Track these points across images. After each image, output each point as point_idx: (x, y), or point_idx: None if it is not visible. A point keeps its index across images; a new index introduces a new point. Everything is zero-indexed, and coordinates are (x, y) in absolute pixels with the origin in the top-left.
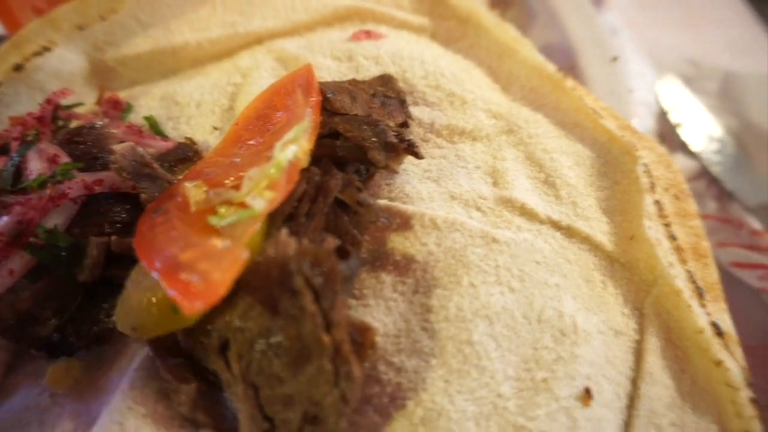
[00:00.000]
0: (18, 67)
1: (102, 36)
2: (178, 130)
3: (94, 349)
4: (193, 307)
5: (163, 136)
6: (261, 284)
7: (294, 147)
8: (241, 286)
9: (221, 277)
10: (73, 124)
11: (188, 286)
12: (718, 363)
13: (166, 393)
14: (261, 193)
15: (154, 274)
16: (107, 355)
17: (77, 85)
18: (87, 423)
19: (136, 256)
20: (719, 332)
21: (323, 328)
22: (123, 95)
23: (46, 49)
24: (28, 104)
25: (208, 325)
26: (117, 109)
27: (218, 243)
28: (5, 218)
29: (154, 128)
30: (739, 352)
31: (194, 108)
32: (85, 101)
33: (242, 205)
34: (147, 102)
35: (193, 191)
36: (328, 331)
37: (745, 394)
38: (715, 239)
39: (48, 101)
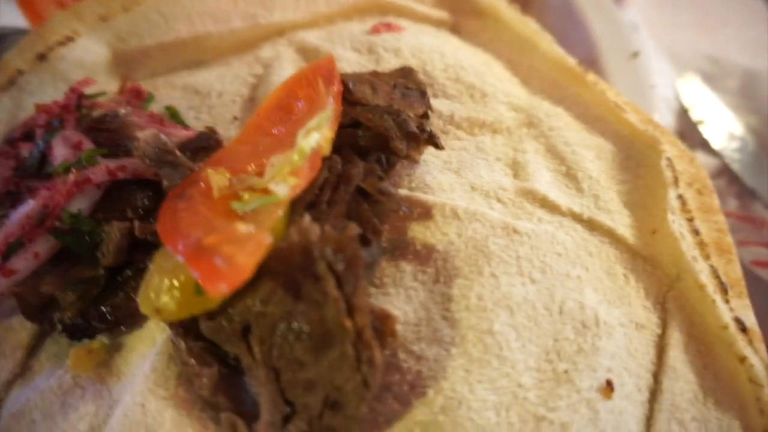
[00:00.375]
0: (42, 57)
1: (125, 27)
2: (199, 120)
3: (117, 332)
4: (218, 289)
5: (184, 126)
6: (283, 269)
7: (317, 134)
8: (263, 271)
9: (245, 260)
10: (96, 112)
11: (213, 268)
12: (743, 359)
13: (187, 377)
14: (284, 179)
15: (179, 257)
16: (129, 338)
17: (99, 75)
18: (109, 405)
19: (159, 241)
20: (743, 328)
21: (345, 313)
22: (145, 85)
23: (70, 39)
24: (51, 93)
25: (230, 309)
26: (139, 98)
27: (242, 227)
28: (31, 202)
29: (175, 118)
30: (762, 348)
31: (215, 98)
32: (107, 91)
33: (265, 191)
34: (168, 92)
35: (216, 177)
36: (350, 317)
37: None
38: (735, 238)
39: (72, 90)
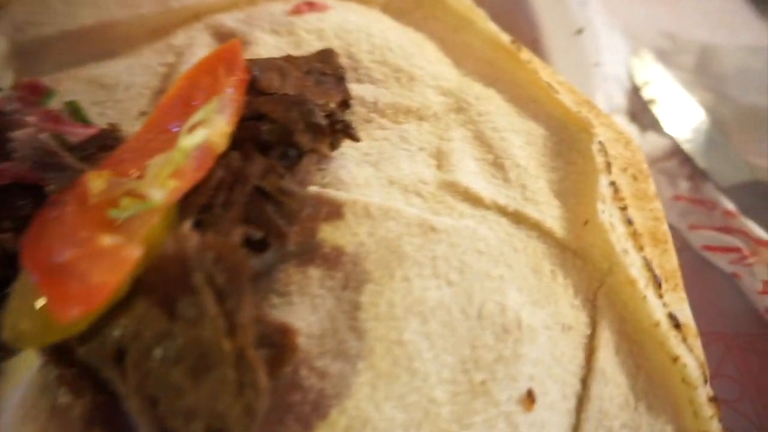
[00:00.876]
0: None
1: (22, 15)
2: (104, 116)
3: None
4: (68, 315)
5: (86, 123)
6: (159, 284)
7: (203, 130)
8: (138, 287)
9: (103, 278)
10: None
11: (64, 289)
12: (675, 358)
13: (59, 409)
14: (163, 182)
15: (32, 277)
16: (5, 365)
17: None
18: None
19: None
20: (677, 324)
21: (225, 333)
22: (48, 80)
23: None
24: None
25: (103, 329)
26: (36, 94)
27: (106, 240)
28: None
29: (76, 114)
30: (698, 345)
31: (122, 92)
32: (4, 86)
33: (144, 196)
34: (72, 86)
35: (95, 180)
36: (230, 336)
37: (703, 392)
38: (687, 222)
39: None
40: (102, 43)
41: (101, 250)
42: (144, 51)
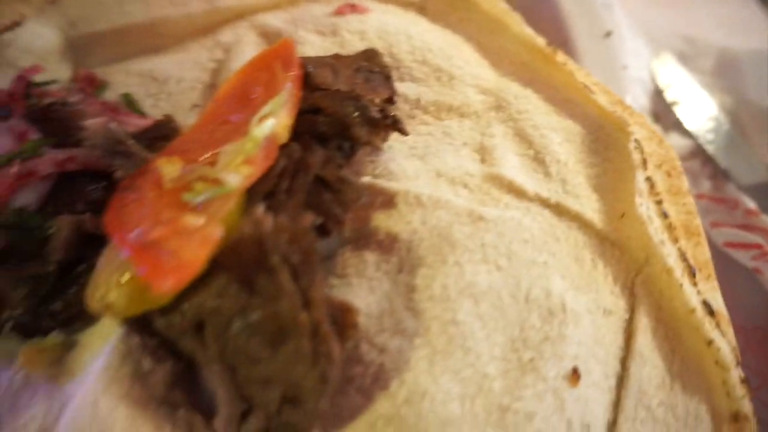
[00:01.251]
0: None
1: (75, 10)
2: (157, 108)
3: (70, 329)
4: (164, 286)
5: (141, 114)
6: (237, 263)
7: (271, 121)
8: (216, 265)
9: (193, 254)
10: (46, 101)
11: (158, 263)
12: (709, 342)
13: (141, 374)
14: (237, 168)
15: (124, 252)
16: (83, 336)
17: (51, 62)
18: (60, 405)
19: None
20: (710, 311)
21: (301, 307)
22: (99, 72)
23: (16, 23)
24: (0, 81)
25: (183, 304)
26: (92, 86)
27: (190, 220)
28: None
29: (131, 106)
30: (730, 331)
31: (174, 85)
32: (60, 78)
33: (217, 181)
34: (124, 79)
35: (167, 167)
36: (306, 310)
37: (735, 373)
38: (709, 219)
39: (19, 77)
40: (150, 38)
41: (188, 229)
42: (191, 47)
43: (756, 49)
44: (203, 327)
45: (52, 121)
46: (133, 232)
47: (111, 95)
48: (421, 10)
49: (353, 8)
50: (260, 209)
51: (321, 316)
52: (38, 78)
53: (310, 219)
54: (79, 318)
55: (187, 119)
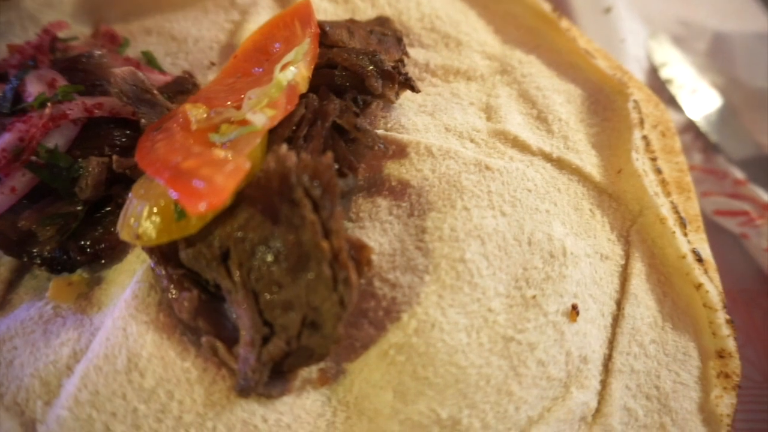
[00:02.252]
0: None
1: None
2: (176, 66)
3: (96, 266)
4: (198, 209)
5: (161, 71)
6: (261, 195)
7: (293, 68)
8: (242, 198)
9: (224, 181)
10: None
11: (192, 189)
12: (698, 286)
13: (167, 303)
14: (262, 110)
15: (159, 180)
16: (109, 272)
17: (67, 16)
18: (90, 332)
19: (137, 176)
20: (699, 259)
21: (322, 236)
22: (119, 30)
23: None
24: (20, 34)
25: (209, 235)
26: (114, 43)
27: (220, 153)
28: (7, 135)
29: (152, 63)
30: (716, 277)
31: (192, 44)
32: (79, 34)
33: (243, 122)
34: (143, 37)
35: (194, 110)
36: (326, 239)
37: (721, 315)
38: (700, 189)
39: (45, 31)
40: None
41: (218, 161)
42: (208, 6)
43: (747, 33)
44: (228, 256)
45: (80, 71)
46: (165, 162)
47: (131, 52)
48: None
49: None
50: (284, 146)
51: (341, 244)
52: (61, 35)
53: (330, 157)
54: (106, 254)
55: (205, 77)
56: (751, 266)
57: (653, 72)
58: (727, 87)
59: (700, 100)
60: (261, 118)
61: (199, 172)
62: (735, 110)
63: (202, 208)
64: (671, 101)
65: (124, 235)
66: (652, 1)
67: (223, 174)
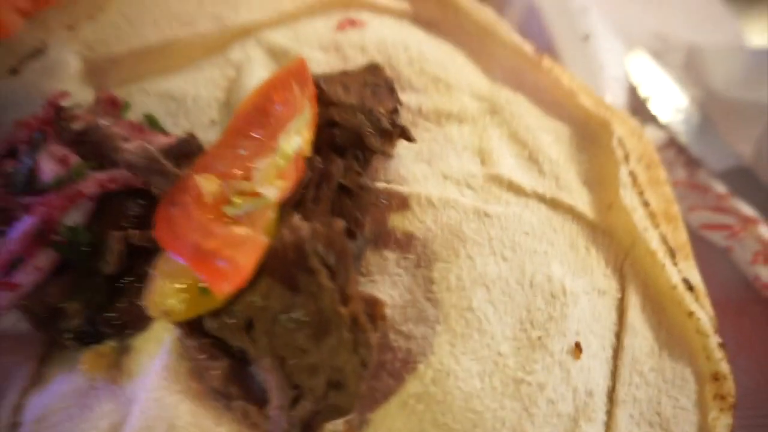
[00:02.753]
0: (14, 71)
1: (92, 35)
2: (177, 126)
3: (124, 336)
4: (223, 289)
5: (164, 132)
6: (279, 266)
7: (297, 137)
8: (261, 269)
9: (245, 260)
10: (76, 125)
11: (216, 270)
12: (690, 314)
13: (198, 371)
14: (272, 182)
15: (183, 262)
16: (136, 341)
17: (73, 85)
18: (125, 403)
19: (156, 247)
20: (690, 287)
21: (340, 302)
22: (118, 93)
23: (39, 51)
24: (25, 107)
25: (232, 307)
26: (115, 107)
27: (239, 231)
28: (29, 219)
29: (154, 125)
30: (707, 303)
31: (191, 103)
32: (81, 100)
33: (255, 194)
34: (143, 99)
35: (206, 183)
36: (344, 304)
37: (714, 339)
38: (685, 204)
39: (50, 103)
40: (165, 59)
41: (238, 239)
42: (204, 65)
43: (721, 45)
44: (252, 325)
45: (87, 144)
46: (186, 244)
47: (132, 115)
48: (415, 18)
49: (352, 23)
50: (296, 218)
51: (358, 308)
52: (64, 104)
53: (341, 224)
54: (132, 324)
55: (206, 135)
56: (738, 277)
57: (633, 90)
58: (704, 99)
59: (680, 115)
60: (272, 191)
61: (221, 253)
62: (713, 122)
63: (227, 289)
64: (652, 118)
65: (152, 312)
66: (629, 16)
67: (244, 254)
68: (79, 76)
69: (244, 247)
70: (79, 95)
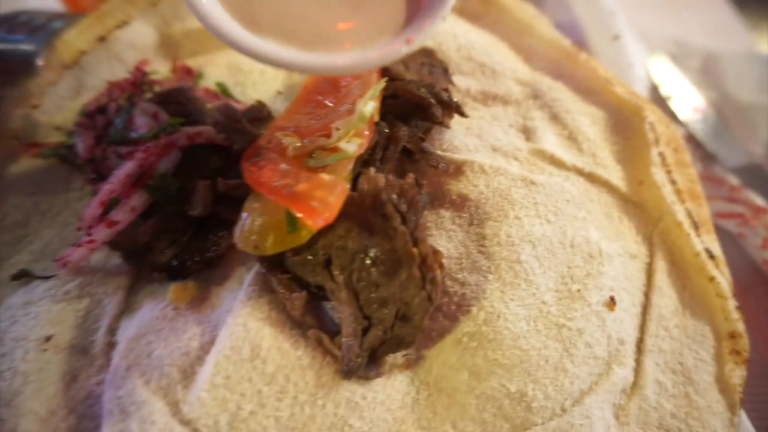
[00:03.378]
0: (102, 39)
1: (170, 11)
2: (245, 95)
3: (206, 272)
4: (317, 224)
5: (236, 100)
6: (357, 211)
7: (372, 103)
8: (341, 213)
9: (335, 200)
10: (157, 88)
11: (310, 208)
12: (711, 278)
13: (278, 302)
14: (351, 139)
15: (276, 200)
16: (216, 277)
17: (150, 55)
18: (211, 328)
19: (239, 195)
20: (711, 255)
21: (412, 244)
22: (190, 64)
23: (125, 22)
24: (107, 72)
25: (314, 245)
26: (190, 76)
27: (326, 177)
28: (130, 163)
29: (226, 93)
30: (726, 270)
31: (258, 75)
32: (159, 70)
33: (335, 149)
34: (213, 70)
35: (288, 139)
36: (415, 246)
37: (731, 302)
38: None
39: (137, 69)
40: None
41: (327, 183)
42: None
43: (735, 52)
44: (331, 262)
45: (173, 104)
46: (279, 186)
47: (204, 84)
48: (460, 12)
49: None
50: (372, 170)
51: (427, 249)
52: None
53: (413, 177)
54: (214, 262)
55: (273, 104)
56: (747, 261)
57: (654, 89)
58: (719, 101)
59: (697, 114)
60: (352, 146)
61: (313, 194)
62: (728, 122)
63: (320, 224)
64: (672, 116)
65: (243, 246)
66: (649, 23)
67: (333, 194)
68: (155, 47)
69: (332, 190)
70: (156, 64)
